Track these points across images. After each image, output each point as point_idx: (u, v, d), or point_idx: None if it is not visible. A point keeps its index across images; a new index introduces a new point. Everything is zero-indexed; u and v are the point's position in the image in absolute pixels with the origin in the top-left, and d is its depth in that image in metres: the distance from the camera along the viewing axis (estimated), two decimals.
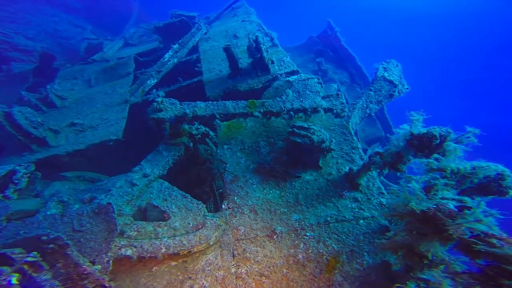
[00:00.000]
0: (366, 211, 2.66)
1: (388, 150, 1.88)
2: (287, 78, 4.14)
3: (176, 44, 6.51)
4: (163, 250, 2.53)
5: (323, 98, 3.31)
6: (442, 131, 1.51)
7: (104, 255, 2.50)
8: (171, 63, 6.07)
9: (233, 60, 4.61)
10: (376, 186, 2.84)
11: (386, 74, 3.87)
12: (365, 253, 2.37)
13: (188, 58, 6.23)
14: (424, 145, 1.55)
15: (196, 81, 5.28)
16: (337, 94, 3.28)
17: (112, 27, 14.76)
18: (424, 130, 1.57)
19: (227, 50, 4.49)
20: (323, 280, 2.28)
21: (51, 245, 2.28)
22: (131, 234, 2.76)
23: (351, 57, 9.39)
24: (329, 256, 2.42)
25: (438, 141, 1.48)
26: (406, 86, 4.04)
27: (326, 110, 3.15)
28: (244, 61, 5.07)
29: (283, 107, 3.13)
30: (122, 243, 2.58)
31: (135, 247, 2.56)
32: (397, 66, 4.24)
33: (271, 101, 3.23)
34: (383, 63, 4.16)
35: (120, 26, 14.17)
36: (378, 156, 2.03)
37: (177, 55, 6.21)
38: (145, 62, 7.74)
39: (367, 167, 2.47)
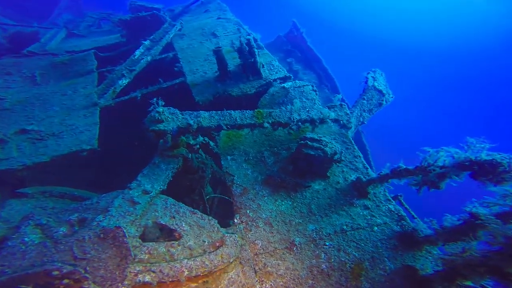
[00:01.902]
0: (378, 217, 2.96)
1: (433, 171, 2.15)
2: (283, 85, 4.29)
3: (148, 40, 6.22)
4: (186, 273, 2.51)
5: (326, 108, 3.53)
6: (505, 157, 1.81)
7: (120, 284, 2.39)
8: (144, 61, 5.79)
9: (222, 63, 4.60)
10: (382, 193, 3.17)
11: (376, 84, 4.26)
12: (386, 259, 2.66)
13: (163, 56, 5.99)
14: (487, 171, 1.83)
15: (179, 82, 5.13)
16: (341, 105, 3.53)
17: (32, 11, 13.15)
18: (487, 157, 1.85)
19: (217, 52, 4.47)
20: None
21: (66, 281, 2.11)
22: (142, 257, 2.66)
23: (318, 59, 9.94)
24: (352, 264, 2.65)
25: (506, 169, 1.77)
26: (391, 95, 4.49)
27: (333, 121, 3.38)
28: (229, 62, 5.07)
29: (291, 118, 3.28)
30: (138, 269, 2.49)
31: (153, 272, 2.48)
32: (382, 75, 4.68)
33: (278, 111, 3.35)
34: (370, 72, 4.56)
35: (44, 11, 12.74)
36: (420, 176, 2.29)
37: (151, 52, 5.94)
38: (106, 58, 7.20)
39: (384, 179, 2.75)
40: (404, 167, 2.47)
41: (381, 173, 2.79)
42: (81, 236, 2.70)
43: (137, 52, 6.01)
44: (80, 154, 4.47)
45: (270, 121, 3.26)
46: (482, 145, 1.88)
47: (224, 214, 4.32)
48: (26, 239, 2.93)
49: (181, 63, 5.53)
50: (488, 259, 1.77)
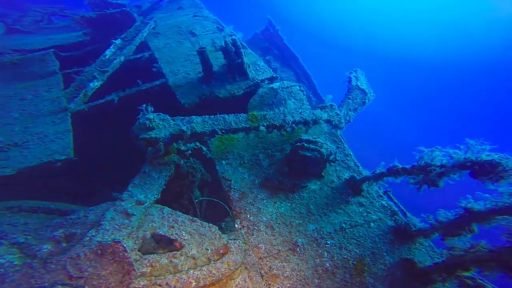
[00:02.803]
0: (373, 214, 3.20)
1: (434, 170, 2.38)
2: (271, 86, 4.42)
3: (119, 39, 6.01)
4: (194, 283, 2.54)
5: (317, 108, 3.72)
6: (503, 158, 2.07)
7: None
8: (117, 62, 5.59)
9: (207, 64, 4.62)
10: (374, 190, 3.42)
11: (359, 83, 4.54)
12: (385, 253, 2.89)
13: (138, 56, 5.83)
14: (487, 170, 2.08)
15: (159, 84, 5.05)
16: (331, 105, 3.74)
17: None
18: (487, 158, 2.10)
19: (201, 53, 4.48)
20: (356, 284, 2.70)
21: None
22: (145, 271, 2.65)
23: (295, 56, 10.25)
24: (355, 260, 2.85)
25: (504, 168, 2.02)
26: (372, 94, 4.81)
27: (325, 122, 3.57)
28: (212, 62, 5.08)
29: (286, 120, 3.41)
30: (142, 283, 2.48)
31: (159, 285, 2.49)
32: (362, 75, 4.99)
33: (272, 113, 3.47)
34: (352, 72, 4.85)
35: None
36: (420, 175, 2.51)
37: (123, 52, 5.75)
38: (68, 58, 6.84)
39: (380, 177, 2.98)
40: (401, 166, 2.71)
41: (375, 172, 3.03)
42: (74, 253, 2.61)
43: (108, 52, 5.79)
44: (54, 165, 4.24)
45: (265, 124, 3.37)
46: (483, 147, 2.15)
47: (213, 217, 4.36)
48: (1, 260, 2.77)
49: (159, 63, 5.44)
50: (499, 254, 2.03)
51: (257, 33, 10.57)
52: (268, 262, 2.88)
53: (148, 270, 2.65)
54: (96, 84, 5.31)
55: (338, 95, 4.83)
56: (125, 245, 2.80)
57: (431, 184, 2.47)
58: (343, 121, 3.70)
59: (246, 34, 10.90)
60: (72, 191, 5.09)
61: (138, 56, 5.84)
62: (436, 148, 2.41)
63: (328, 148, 3.27)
